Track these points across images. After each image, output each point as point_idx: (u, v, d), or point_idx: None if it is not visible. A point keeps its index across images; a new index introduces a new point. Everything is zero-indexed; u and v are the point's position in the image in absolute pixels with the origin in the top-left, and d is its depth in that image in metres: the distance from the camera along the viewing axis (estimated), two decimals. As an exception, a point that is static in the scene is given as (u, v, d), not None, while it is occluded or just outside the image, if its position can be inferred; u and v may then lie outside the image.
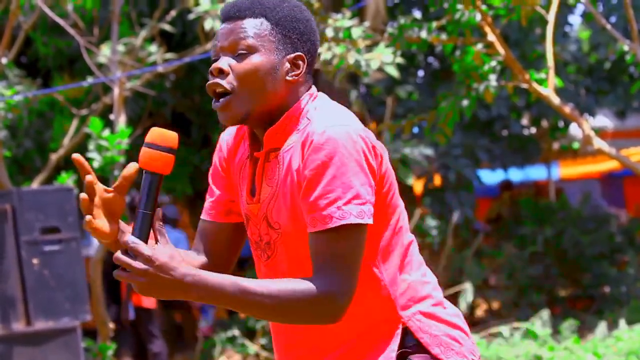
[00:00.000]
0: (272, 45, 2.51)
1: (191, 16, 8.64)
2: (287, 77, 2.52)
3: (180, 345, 11.98)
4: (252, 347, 10.37)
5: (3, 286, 7.25)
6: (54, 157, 9.72)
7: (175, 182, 11.80)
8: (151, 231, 2.38)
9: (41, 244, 7.44)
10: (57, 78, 11.33)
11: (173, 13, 9.92)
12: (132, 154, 10.55)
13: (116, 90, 8.66)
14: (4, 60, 8.83)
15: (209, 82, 2.52)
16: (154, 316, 9.92)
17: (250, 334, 10.67)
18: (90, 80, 9.35)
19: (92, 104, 10.43)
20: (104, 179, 9.74)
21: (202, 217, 2.75)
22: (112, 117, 8.74)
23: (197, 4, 8.49)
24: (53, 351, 7.33)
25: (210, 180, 2.74)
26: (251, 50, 2.49)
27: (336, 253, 2.38)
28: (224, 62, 2.50)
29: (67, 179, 8.37)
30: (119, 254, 2.30)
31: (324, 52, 6.62)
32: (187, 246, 11.45)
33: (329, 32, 6.53)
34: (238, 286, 2.33)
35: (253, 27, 2.51)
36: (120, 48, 9.30)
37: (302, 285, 2.36)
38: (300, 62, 2.54)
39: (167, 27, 9.94)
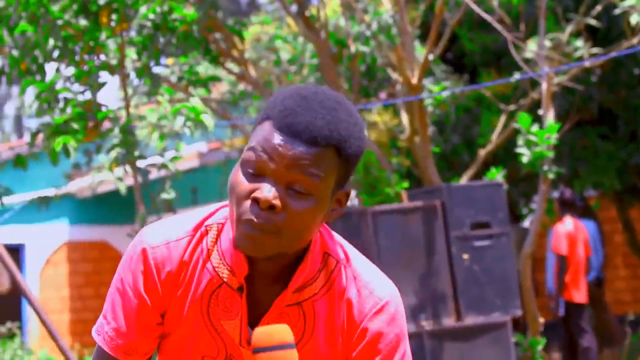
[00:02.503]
0: (331, 186, 2.02)
1: (617, 11, 8.43)
2: (327, 215, 2.07)
3: (608, 340, 11.76)
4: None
5: (434, 281, 7.42)
6: (482, 152, 9.85)
7: (603, 177, 11.57)
8: None
9: (471, 240, 7.54)
10: (483, 74, 11.46)
11: (598, 8, 9.73)
12: (560, 149, 10.50)
13: (544, 86, 8.63)
14: (431, 57, 9.05)
15: (253, 214, 1.98)
16: (584, 311, 9.81)
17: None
18: (517, 75, 9.38)
19: (520, 100, 10.46)
20: (533, 174, 9.77)
21: (101, 345, 2.17)
22: (540, 112, 8.71)
23: (622, -2, 8.28)
24: (483, 346, 7.42)
25: (119, 303, 2.14)
26: (313, 193, 1.99)
27: None
28: (275, 195, 1.97)
29: (496, 175, 8.44)
30: None
31: None
32: (598, 236, 11.23)
33: None
34: None
35: (324, 166, 1.98)
36: (547, 43, 9.25)
37: None
38: (344, 199, 2.10)
39: (592, 21, 9.77)
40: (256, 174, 1.99)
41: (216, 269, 2.09)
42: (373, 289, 2.12)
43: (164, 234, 2.13)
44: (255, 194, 1.97)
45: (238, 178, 2.00)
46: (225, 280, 2.09)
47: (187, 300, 2.11)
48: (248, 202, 1.98)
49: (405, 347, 2.14)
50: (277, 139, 1.97)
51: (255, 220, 1.96)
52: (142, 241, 2.12)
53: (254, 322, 2.10)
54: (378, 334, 2.10)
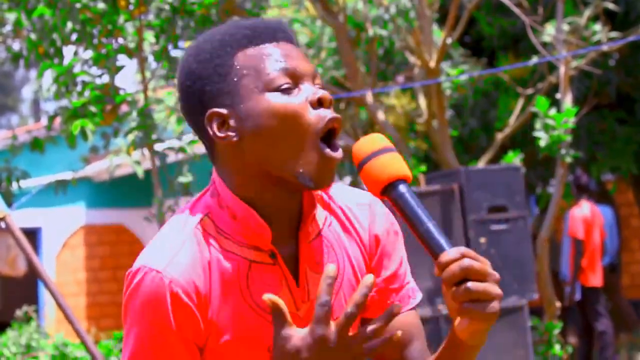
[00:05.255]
0: None
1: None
2: None
3: (623, 325, 11.75)
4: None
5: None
6: (499, 136, 9.83)
7: (620, 161, 11.55)
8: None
9: (488, 223, 7.53)
10: (501, 57, 11.43)
11: (618, -10, 9.71)
12: (578, 133, 10.47)
13: (562, 69, 8.60)
14: (449, 40, 9.02)
15: (331, 116, 1.80)
16: (600, 295, 9.80)
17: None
18: (535, 59, 9.35)
19: (538, 83, 10.43)
20: (550, 158, 9.74)
21: None
22: (558, 96, 8.69)
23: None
24: (499, 330, 7.41)
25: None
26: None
27: None
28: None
29: (513, 158, 8.43)
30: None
31: None
32: (614, 222, 11.18)
33: None
34: None
35: None
36: (565, 27, 9.22)
37: None
38: None
39: (610, 5, 9.73)
40: (292, 85, 1.80)
41: (235, 253, 1.81)
42: (356, 199, 1.98)
43: (163, 252, 1.79)
44: (316, 96, 1.79)
45: (274, 103, 1.79)
46: (249, 258, 1.82)
47: (224, 302, 1.80)
48: (310, 113, 1.79)
49: (402, 244, 2.01)
50: (278, 47, 1.83)
51: (333, 117, 1.79)
52: (151, 276, 1.75)
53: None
54: (378, 233, 1.97)
